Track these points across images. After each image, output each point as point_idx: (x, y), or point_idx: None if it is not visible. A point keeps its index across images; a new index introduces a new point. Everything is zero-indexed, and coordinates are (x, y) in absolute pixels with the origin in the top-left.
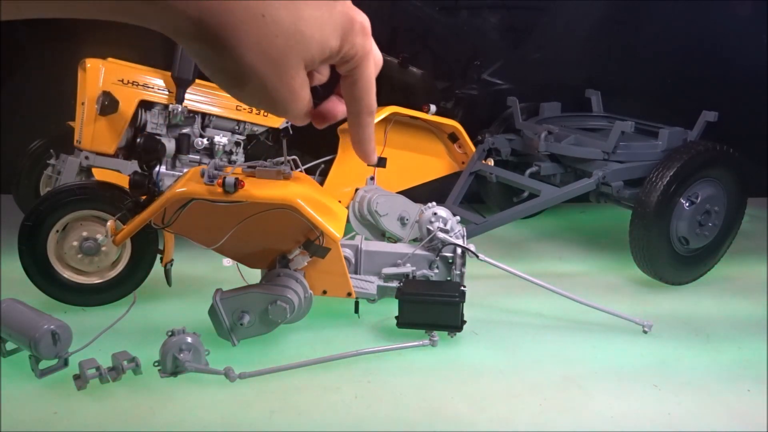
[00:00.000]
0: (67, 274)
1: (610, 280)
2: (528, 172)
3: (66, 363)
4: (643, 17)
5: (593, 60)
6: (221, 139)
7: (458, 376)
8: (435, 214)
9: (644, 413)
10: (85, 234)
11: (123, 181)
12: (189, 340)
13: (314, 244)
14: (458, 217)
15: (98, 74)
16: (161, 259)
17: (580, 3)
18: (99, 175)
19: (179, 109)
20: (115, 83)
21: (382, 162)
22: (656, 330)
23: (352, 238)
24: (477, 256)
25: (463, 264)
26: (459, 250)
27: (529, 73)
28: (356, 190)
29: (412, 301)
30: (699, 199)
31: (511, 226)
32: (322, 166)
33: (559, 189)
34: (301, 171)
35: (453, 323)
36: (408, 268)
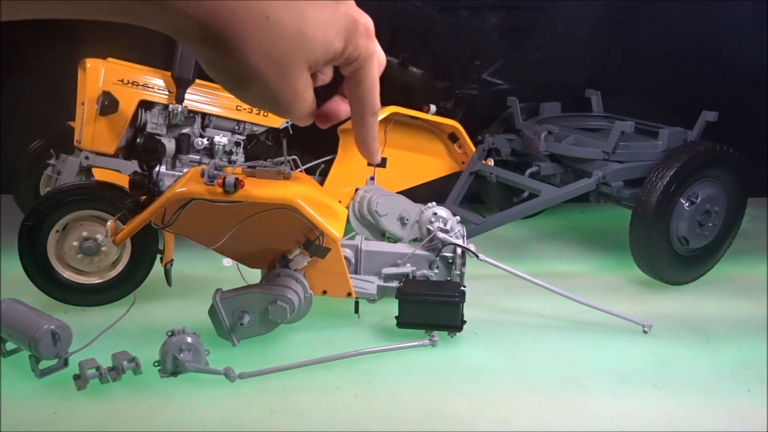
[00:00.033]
0: (67, 274)
1: (610, 280)
2: (528, 172)
3: (66, 363)
4: (643, 17)
5: (593, 60)
6: (221, 139)
7: (458, 376)
8: (435, 214)
9: (644, 413)
10: (85, 234)
11: (123, 181)
12: (189, 340)
13: (314, 244)
14: (458, 217)
15: (98, 74)
16: (161, 259)
17: (580, 3)
18: (99, 175)
19: (179, 109)
20: (115, 83)
21: (382, 162)
22: (656, 330)
23: (352, 238)
24: (477, 256)
25: (463, 264)
26: (459, 250)
27: (529, 73)
28: (356, 190)
29: (412, 301)
30: (699, 199)
31: (511, 226)
32: (322, 166)
33: (559, 189)
34: (301, 171)
35: (453, 323)
36: (408, 268)
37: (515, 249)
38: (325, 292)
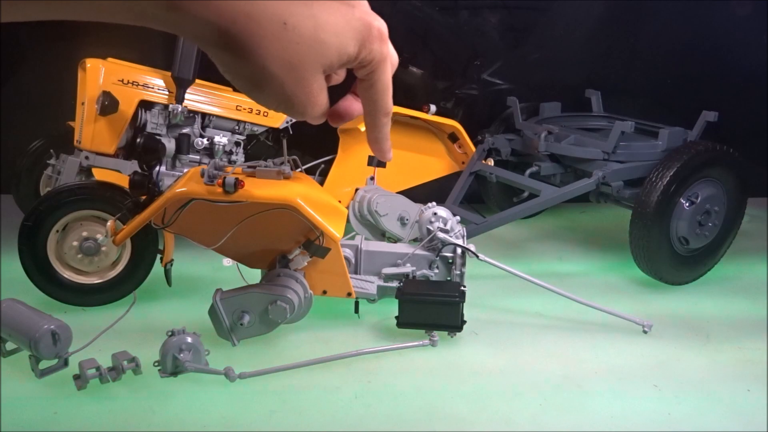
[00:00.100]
0: (67, 274)
1: (610, 280)
2: (528, 172)
3: (66, 363)
4: (643, 17)
5: (593, 60)
6: (221, 139)
7: (458, 376)
8: (435, 214)
9: (644, 413)
10: (85, 234)
11: (123, 181)
12: (189, 340)
13: (314, 244)
14: (458, 217)
15: (98, 74)
16: (161, 259)
17: (580, 3)
18: (99, 175)
19: (179, 109)
20: (115, 83)
21: (382, 162)
22: (656, 330)
23: (352, 238)
24: (477, 256)
25: (463, 264)
26: (459, 250)
27: (529, 73)
28: (356, 190)
29: (412, 301)
30: (699, 199)
31: (511, 226)
32: (322, 166)
33: (559, 189)
34: (301, 171)
35: (453, 323)
36: (408, 268)
37: (515, 249)
38: (325, 292)
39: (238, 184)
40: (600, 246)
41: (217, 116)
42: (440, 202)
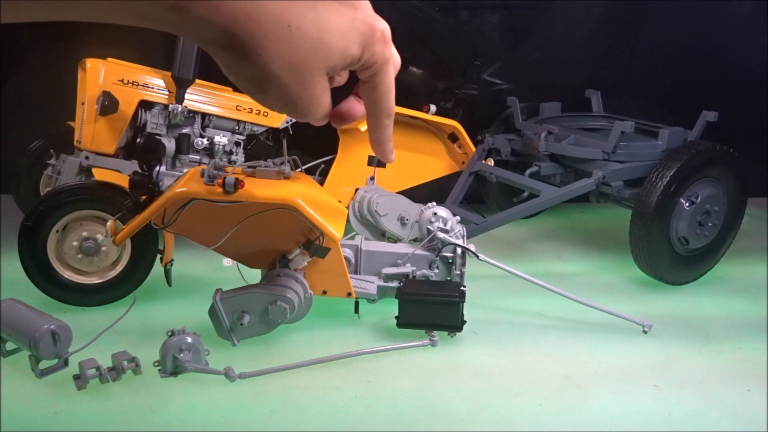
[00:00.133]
0: (67, 274)
1: (610, 280)
2: (528, 172)
3: (66, 363)
4: (643, 17)
5: (593, 60)
6: (221, 139)
7: (458, 376)
8: (435, 214)
9: (644, 413)
10: (85, 234)
11: (123, 181)
12: (189, 340)
13: (314, 244)
14: (458, 217)
15: (98, 74)
16: (161, 259)
17: (580, 3)
18: (99, 175)
19: (179, 109)
20: (115, 83)
21: (382, 162)
22: (656, 330)
23: (352, 238)
24: (477, 256)
25: (463, 264)
26: (459, 250)
27: (529, 73)
28: (356, 190)
29: (412, 301)
30: (699, 199)
31: (511, 226)
32: (322, 166)
33: (559, 189)
34: (301, 171)
35: (453, 323)
36: (408, 268)
37: (515, 249)
38: (325, 292)
39: (238, 184)
40: (600, 246)
41: (217, 116)
42: (440, 202)
